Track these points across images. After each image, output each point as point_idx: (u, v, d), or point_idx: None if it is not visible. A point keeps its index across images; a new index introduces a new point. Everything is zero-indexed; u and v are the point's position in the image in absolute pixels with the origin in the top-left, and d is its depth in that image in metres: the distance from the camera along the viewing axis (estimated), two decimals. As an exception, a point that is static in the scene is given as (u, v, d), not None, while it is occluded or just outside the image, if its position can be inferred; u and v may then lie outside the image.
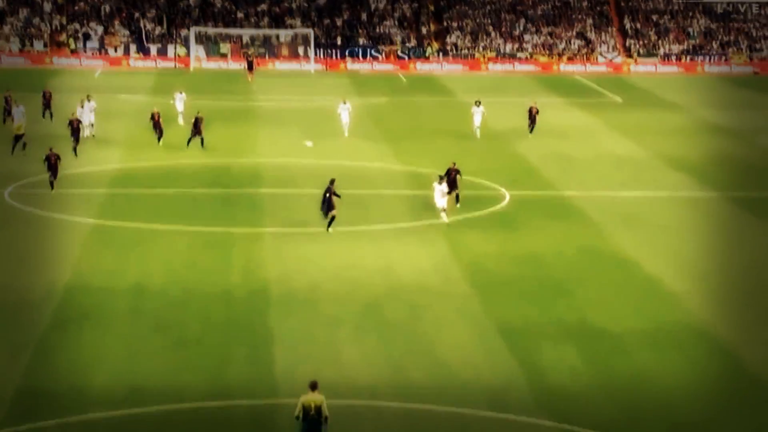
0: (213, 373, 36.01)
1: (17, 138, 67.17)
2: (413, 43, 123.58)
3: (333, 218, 50.86)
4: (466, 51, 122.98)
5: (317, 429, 28.20)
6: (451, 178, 54.53)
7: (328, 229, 50.67)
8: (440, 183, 52.72)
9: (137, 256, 48.38)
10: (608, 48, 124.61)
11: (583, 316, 41.74)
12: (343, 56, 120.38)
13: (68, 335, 39.28)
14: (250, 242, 50.80)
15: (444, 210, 52.26)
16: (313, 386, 28.69)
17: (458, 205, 55.28)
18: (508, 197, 59.29)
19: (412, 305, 42.37)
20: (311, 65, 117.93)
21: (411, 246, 50.05)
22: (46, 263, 47.09)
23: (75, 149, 67.02)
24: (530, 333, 39.74)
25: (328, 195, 50.57)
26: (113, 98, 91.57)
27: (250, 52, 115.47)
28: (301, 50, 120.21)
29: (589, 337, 39.57)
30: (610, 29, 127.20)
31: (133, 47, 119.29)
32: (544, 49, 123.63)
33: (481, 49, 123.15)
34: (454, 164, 55.76)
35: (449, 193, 53.37)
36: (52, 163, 58.26)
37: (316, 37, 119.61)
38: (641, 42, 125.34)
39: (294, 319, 41.23)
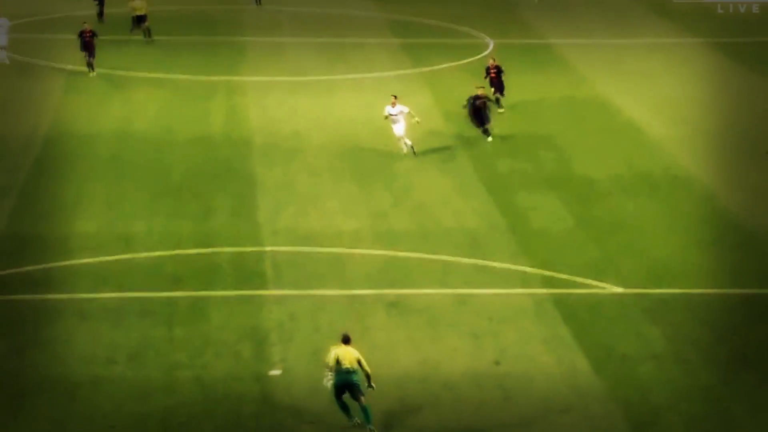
0: (197, 221, 35.97)
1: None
2: None
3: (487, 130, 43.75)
4: None
5: (351, 383, 24.32)
6: (476, 106, 43.39)
7: (488, 139, 43.56)
8: (471, 107, 43.34)
9: (118, 103, 48.09)
10: None
11: (566, 163, 41.71)
12: None
13: (51, 181, 39.12)
14: (232, 91, 50.38)
15: (402, 139, 42.16)
16: (346, 339, 24.66)
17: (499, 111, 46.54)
18: (491, 45, 58.72)
19: (393, 153, 42.24)
20: None
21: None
22: (27, 110, 46.69)
23: None
24: (511, 180, 39.72)
25: (475, 103, 43.06)
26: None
27: None
28: None
29: (571, 183, 39.58)
30: None
31: None
32: None
33: None
34: (481, 88, 44.36)
35: (481, 127, 43.61)
36: (87, 41, 51.04)
37: None
38: None
39: (277, 168, 41.10)
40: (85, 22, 52.39)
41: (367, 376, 24.36)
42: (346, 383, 24.22)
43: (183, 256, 33.27)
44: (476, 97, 43.13)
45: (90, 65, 50.96)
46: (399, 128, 41.91)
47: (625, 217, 36.84)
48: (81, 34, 50.91)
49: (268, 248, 33.88)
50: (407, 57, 55.88)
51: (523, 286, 31.72)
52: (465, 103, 43.54)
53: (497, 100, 46.58)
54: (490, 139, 43.29)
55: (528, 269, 32.65)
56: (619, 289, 31.44)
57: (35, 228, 35.03)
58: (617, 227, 35.94)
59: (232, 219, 36.30)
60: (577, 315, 29.89)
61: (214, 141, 44.00)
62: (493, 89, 46.39)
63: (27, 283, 30.99)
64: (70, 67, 52.72)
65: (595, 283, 31.89)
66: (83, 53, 50.91)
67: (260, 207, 37.17)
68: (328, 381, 24.22)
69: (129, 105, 48.08)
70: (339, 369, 24.18)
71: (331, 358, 24.28)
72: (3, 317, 29.01)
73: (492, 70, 46.77)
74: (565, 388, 26.18)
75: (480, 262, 33.17)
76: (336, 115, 47.33)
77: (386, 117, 42.12)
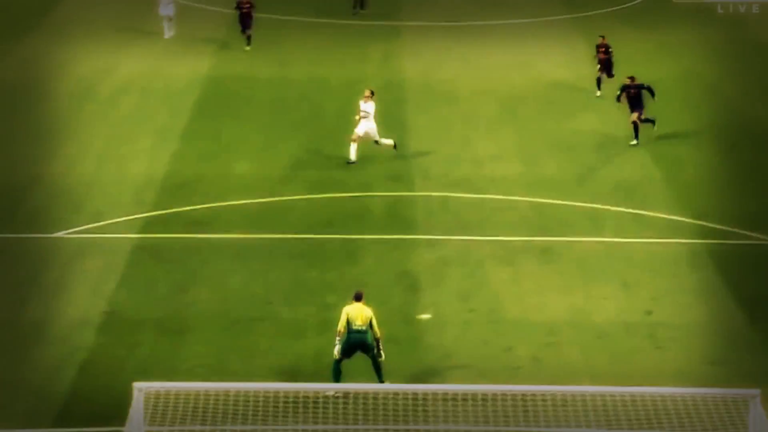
0: (350, 164, 36.12)
1: None
2: None
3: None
4: None
5: (365, 343, 23.03)
6: (630, 96, 37.56)
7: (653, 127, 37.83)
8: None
9: (275, 47, 48.46)
10: None
11: (730, 112, 40.74)
12: None
13: (210, 123, 39.71)
14: (387, 36, 50.29)
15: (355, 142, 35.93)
16: (358, 297, 23.33)
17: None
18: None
19: (547, 100, 41.73)
20: None
21: (547, 41, 49.06)
22: (188, 54, 47.38)
23: None
24: (667, 131, 38.85)
25: (629, 92, 37.52)
26: None
27: None
28: None
29: (727, 132, 38.65)
30: None
31: None
32: None
33: None
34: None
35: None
36: (244, 12, 47.23)
37: None
38: None
39: (430, 113, 40.98)
40: None
41: (377, 341, 22.87)
42: (358, 343, 22.79)
43: (335, 199, 33.44)
44: (628, 87, 37.45)
45: (248, 38, 47.14)
46: (363, 127, 35.60)
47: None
48: (238, 5, 47.12)
49: (419, 193, 33.84)
50: (560, 2, 55.00)
51: (676, 236, 31.08)
52: (618, 92, 37.97)
53: (599, 82, 41.76)
54: (655, 127, 37.62)
55: (682, 219, 32.00)
56: (776, 242, 30.63)
57: (196, 169, 35.60)
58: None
59: (385, 163, 36.29)
60: (732, 266, 29.19)
61: (368, 84, 43.94)
62: (599, 68, 41.88)
63: (189, 222, 31.54)
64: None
65: (752, 234, 31.08)
66: (239, 26, 47.25)
67: (412, 152, 37.10)
68: (337, 347, 22.77)
69: (286, 49, 48.38)
70: (350, 328, 22.78)
71: (342, 322, 22.84)
72: (167, 255, 29.60)
73: (601, 49, 42.00)
74: (718, 340, 25.62)
75: (633, 211, 32.61)
76: (490, 61, 46.92)
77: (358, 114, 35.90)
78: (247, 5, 46.85)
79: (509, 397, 20.54)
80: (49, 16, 52.31)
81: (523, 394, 20.71)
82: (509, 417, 20.90)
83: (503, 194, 33.73)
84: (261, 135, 38.56)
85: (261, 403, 20.61)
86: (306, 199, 33.37)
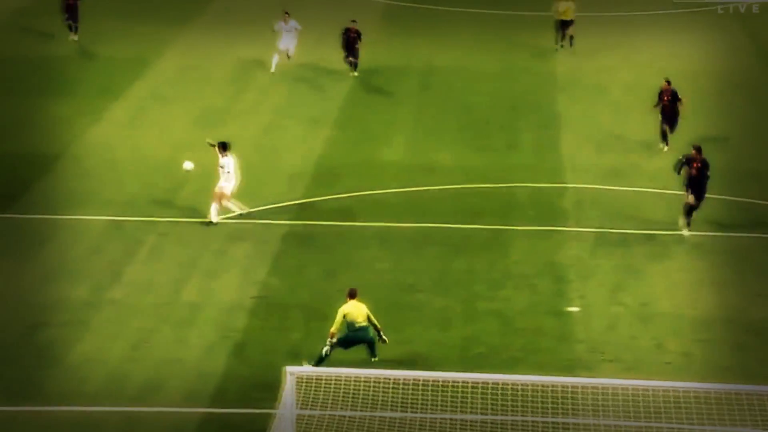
0: (500, 154, 35.97)
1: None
2: None
3: None
4: None
5: (367, 338, 23.13)
6: (691, 177, 30.15)
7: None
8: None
9: (424, 37, 48.49)
10: None
11: None
12: None
13: (362, 111, 39.95)
14: (536, 25, 49.90)
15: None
16: (353, 294, 23.34)
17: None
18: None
19: (698, 91, 40.97)
20: None
21: (702, 29, 48.31)
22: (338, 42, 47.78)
23: None
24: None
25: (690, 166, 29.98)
26: None
27: None
28: None
29: None
30: None
31: None
32: None
33: None
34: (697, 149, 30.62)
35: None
36: (350, 41, 43.33)
37: None
38: None
39: (580, 103, 40.56)
40: (353, 21, 43.74)
41: (378, 330, 23.12)
42: (362, 340, 23.02)
43: (484, 189, 33.31)
44: (690, 159, 30.09)
45: (352, 65, 43.41)
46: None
47: None
48: (346, 32, 43.32)
49: (569, 185, 33.50)
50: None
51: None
52: (677, 162, 30.67)
53: (664, 135, 35.42)
54: (685, 233, 29.92)
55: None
56: None
57: (346, 157, 35.84)
58: None
59: (534, 154, 36.06)
60: None
61: (518, 75, 43.80)
62: (662, 120, 35.52)
63: (338, 210, 31.75)
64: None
65: None
66: (344, 53, 43.39)
67: (562, 143, 36.77)
68: (326, 348, 22.76)
69: (437, 38, 48.35)
70: (353, 327, 22.87)
71: (338, 323, 22.82)
72: (317, 242, 29.85)
73: (666, 96, 35.45)
74: None
75: (788, 206, 31.83)
76: (644, 53, 46.16)
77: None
78: (354, 32, 43.08)
79: (661, 392, 20.19)
80: (211, 5, 53.20)
81: (674, 390, 20.32)
82: (661, 413, 20.56)
83: (653, 187, 33.17)
84: (409, 125, 38.63)
85: (410, 391, 20.62)
86: (454, 189, 33.30)
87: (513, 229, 30.56)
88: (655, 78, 42.56)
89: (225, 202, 30.64)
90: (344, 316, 22.96)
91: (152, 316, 25.60)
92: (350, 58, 43.31)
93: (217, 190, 30.55)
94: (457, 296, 26.86)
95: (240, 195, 31.68)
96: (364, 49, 43.22)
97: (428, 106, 40.47)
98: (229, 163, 30.58)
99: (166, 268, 28.02)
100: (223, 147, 30.82)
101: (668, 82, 35.67)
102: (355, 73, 43.27)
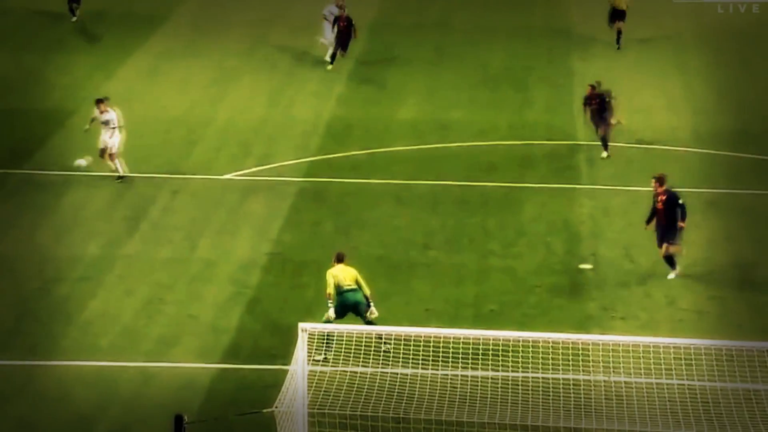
0: (513, 112, 35.86)
1: None
2: None
3: None
4: None
5: (357, 301, 22.06)
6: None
7: None
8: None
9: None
10: None
11: None
12: None
13: (376, 69, 39.79)
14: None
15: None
16: (340, 258, 22.32)
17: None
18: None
19: (717, 50, 40.68)
20: None
21: None
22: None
23: None
24: None
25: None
26: None
27: None
28: None
29: None
30: None
31: None
32: None
33: None
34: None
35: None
36: (342, 29, 39.04)
37: None
38: None
39: (596, 61, 40.35)
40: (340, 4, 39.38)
41: (367, 298, 21.96)
42: (352, 302, 21.91)
43: (498, 147, 33.20)
44: (656, 195, 25.37)
45: (332, 57, 39.25)
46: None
47: None
48: (336, 21, 38.99)
49: (582, 142, 33.35)
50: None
51: None
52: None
53: (603, 141, 31.87)
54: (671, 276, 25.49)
55: None
56: None
57: (360, 114, 35.74)
58: None
59: (548, 112, 35.91)
60: None
61: (533, 33, 43.55)
62: (594, 125, 32.03)
63: (352, 167, 31.68)
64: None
65: None
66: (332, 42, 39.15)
67: (577, 100, 36.54)
68: (331, 309, 21.73)
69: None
70: (341, 290, 21.84)
71: (330, 285, 21.85)
72: (330, 198, 29.81)
73: (593, 101, 31.88)
74: None
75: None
76: (659, 4, 45.85)
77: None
78: (345, 19, 38.88)
79: (672, 349, 20.14)
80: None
81: (686, 347, 20.26)
82: (672, 369, 20.52)
83: (669, 145, 33.00)
84: (424, 82, 38.46)
85: (421, 347, 20.63)
86: (468, 146, 33.19)
87: (526, 187, 30.47)
88: (673, 31, 42.14)
89: (108, 160, 29.73)
90: (333, 278, 21.96)
91: (166, 272, 25.62)
92: (339, 50, 38.97)
93: (110, 145, 29.56)
94: (471, 253, 26.80)
95: (255, 152, 31.66)
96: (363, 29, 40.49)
97: (442, 64, 40.29)
98: (114, 117, 29.69)
99: (180, 225, 28.03)
100: (101, 101, 29.83)
101: (593, 87, 31.83)
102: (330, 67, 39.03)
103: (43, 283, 25.05)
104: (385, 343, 21.40)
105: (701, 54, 40.75)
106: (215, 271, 25.77)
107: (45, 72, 38.78)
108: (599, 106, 31.36)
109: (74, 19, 43.91)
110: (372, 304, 22.08)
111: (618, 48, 40.79)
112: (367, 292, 22.11)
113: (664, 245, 24.76)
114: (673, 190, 24.04)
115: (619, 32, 41.05)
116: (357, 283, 22.08)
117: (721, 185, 30.33)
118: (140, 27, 43.61)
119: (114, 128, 29.75)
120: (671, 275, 25.15)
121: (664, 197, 23.81)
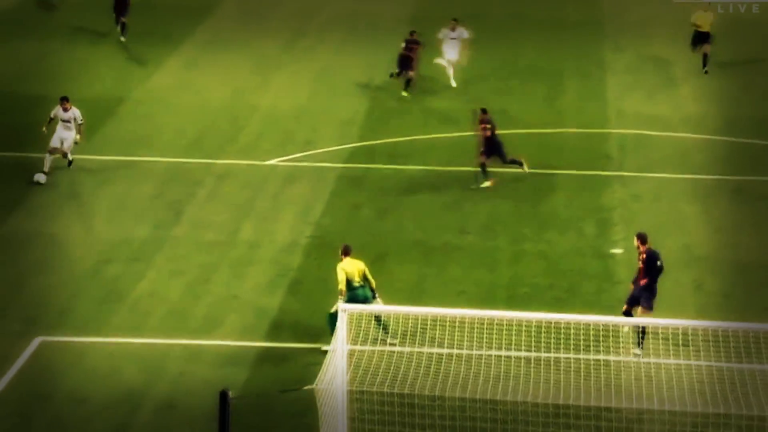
0: (546, 100, 35.87)
1: None
2: None
3: None
4: None
5: (366, 299, 21.53)
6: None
7: None
8: None
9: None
10: None
11: None
12: None
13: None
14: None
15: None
16: (347, 251, 21.74)
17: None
18: None
19: (743, 42, 40.48)
20: None
21: None
22: None
23: None
24: None
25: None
26: None
27: None
28: None
29: None
30: None
31: None
32: None
33: None
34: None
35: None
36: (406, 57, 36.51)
37: None
38: None
39: (627, 51, 40.29)
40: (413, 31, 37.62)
41: (373, 291, 21.52)
42: (361, 299, 21.30)
43: (530, 135, 33.25)
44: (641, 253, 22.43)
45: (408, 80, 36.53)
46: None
47: None
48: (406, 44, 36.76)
49: (614, 130, 33.37)
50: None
51: None
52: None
53: (482, 167, 29.52)
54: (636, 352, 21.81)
55: None
56: None
57: (399, 102, 35.85)
58: None
59: (581, 100, 35.91)
60: None
61: (565, 23, 43.51)
62: (484, 153, 29.58)
63: (390, 154, 31.83)
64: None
65: None
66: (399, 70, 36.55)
67: (609, 89, 36.58)
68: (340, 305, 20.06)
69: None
70: (351, 286, 21.29)
71: (342, 281, 21.24)
72: (369, 184, 29.99)
73: (483, 126, 29.56)
74: None
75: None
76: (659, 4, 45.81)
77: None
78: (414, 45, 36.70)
79: (700, 331, 20.20)
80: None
81: (713, 329, 20.32)
82: (699, 351, 20.60)
83: (696, 133, 32.97)
84: (458, 71, 38.43)
85: (457, 328, 20.81)
86: (502, 134, 33.20)
87: (559, 173, 30.53)
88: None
89: (48, 154, 29.22)
90: (345, 273, 21.42)
91: (211, 255, 25.90)
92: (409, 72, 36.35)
93: (66, 142, 29.25)
94: (505, 238, 26.92)
95: (297, 138, 31.85)
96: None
97: (477, 53, 40.23)
98: (76, 116, 29.37)
99: (225, 209, 28.30)
100: (66, 99, 29.42)
101: (484, 111, 29.80)
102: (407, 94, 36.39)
103: (94, 264, 25.40)
104: (391, 337, 21.44)
105: (723, 44, 40.58)
106: (258, 253, 26.04)
107: (93, 62, 39.11)
108: (492, 131, 29.47)
109: (123, 39, 41.34)
110: (378, 295, 21.89)
111: (705, 72, 38.13)
112: (373, 284, 21.76)
113: (639, 309, 22.00)
114: (653, 249, 22.37)
115: (705, 56, 38.18)
116: (364, 277, 21.66)
117: (750, 173, 30.27)
118: (187, 18, 43.89)
119: (72, 127, 29.38)
120: (636, 350, 21.56)
121: (644, 256, 22.26)
